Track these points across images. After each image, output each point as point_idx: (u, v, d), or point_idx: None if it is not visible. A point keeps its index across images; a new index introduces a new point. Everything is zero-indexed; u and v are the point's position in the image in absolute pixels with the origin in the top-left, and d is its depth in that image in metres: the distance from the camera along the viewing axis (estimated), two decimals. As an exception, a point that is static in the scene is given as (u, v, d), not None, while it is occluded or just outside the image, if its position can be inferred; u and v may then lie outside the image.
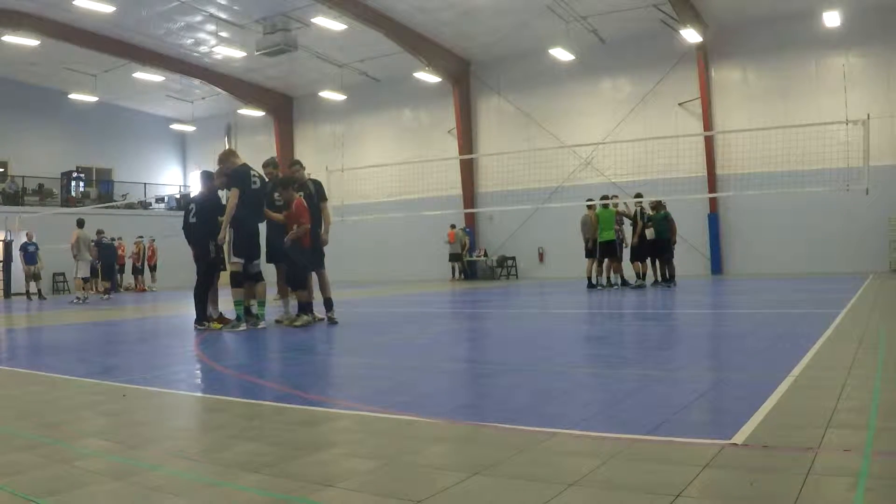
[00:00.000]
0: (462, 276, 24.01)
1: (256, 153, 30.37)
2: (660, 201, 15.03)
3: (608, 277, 14.84)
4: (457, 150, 24.79)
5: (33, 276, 19.32)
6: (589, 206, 15.03)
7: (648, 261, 14.84)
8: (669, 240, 14.69)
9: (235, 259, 8.02)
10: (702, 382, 4.08)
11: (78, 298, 16.65)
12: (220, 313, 8.38)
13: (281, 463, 2.68)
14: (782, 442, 2.67)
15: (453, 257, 23.92)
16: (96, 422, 3.58)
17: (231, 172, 8.18)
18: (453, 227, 23.94)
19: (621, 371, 4.72)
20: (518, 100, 24.64)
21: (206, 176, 8.70)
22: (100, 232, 18.95)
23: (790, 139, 17.43)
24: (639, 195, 15.50)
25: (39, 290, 19.61)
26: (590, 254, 14.75)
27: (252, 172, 8.31)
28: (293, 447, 2.93)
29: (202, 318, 8.17)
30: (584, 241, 14.86)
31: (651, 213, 14.91)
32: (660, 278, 14.81)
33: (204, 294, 8.31)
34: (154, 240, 24.20)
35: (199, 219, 8.32)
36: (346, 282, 21.97)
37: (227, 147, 31.72)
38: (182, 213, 9.12)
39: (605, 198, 15.48)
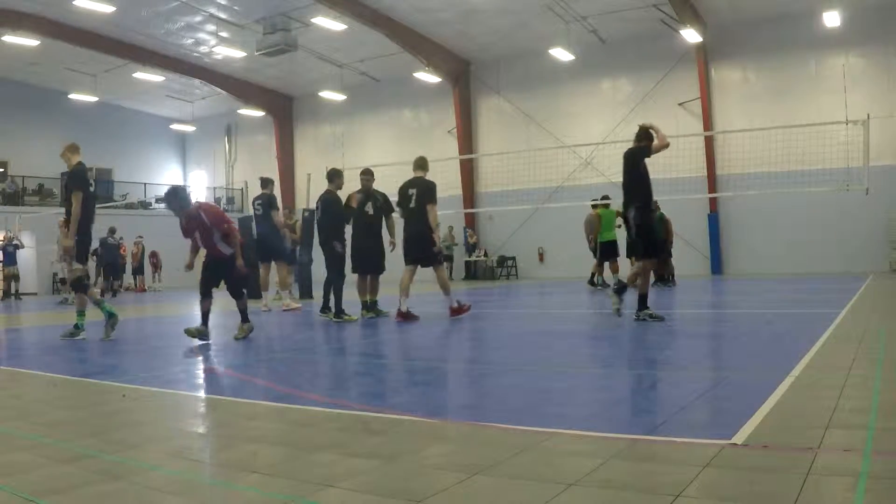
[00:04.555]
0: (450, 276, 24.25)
1: (256, 153, 30.70)
2: (654, 202, 15.03)
3: (594, 276, 14.79)
4: (457, 150, 24.79)
5: (13, 277, 19.48)
6: (594, 206, 15.03)
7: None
8: (665, 240, 14.70)
9: (77, 265, 7.59)
10: (702, 382, 4.08)
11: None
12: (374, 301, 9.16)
13: (281, 463, 2.68)
14: (782, 442, 2.67)
15: (445, 258, 24.21)
16: (96, 422, 3.57)
17: (70, 174, 7.71)
18: (450, 228, 24.12)
19: (621, 371, 4.72)
20: (518, 100, 24.64)
21: (335, 174, 9.45)
22: (112, 230, 18.95)
23: (790, 139, 17.42)
24: (606, 197, 15.46)
25: (17, 291, 19.76)
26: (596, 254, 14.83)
27: (88, 172, 7.81)
28: (293, 447, 2.93)
29: (339, 311, 8.79)
30: (588, 241, 14.89)
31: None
32: (665, 277, 14.87)
33: (341, 288, 8.94)
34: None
35: (325, 215, 8.96)
36: (350, 282, 21.94)
37: (227, 148, 31.81)
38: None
39: (605, 198, 15.47)
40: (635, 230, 7.44)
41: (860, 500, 2.04)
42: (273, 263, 11.71)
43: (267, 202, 11.56)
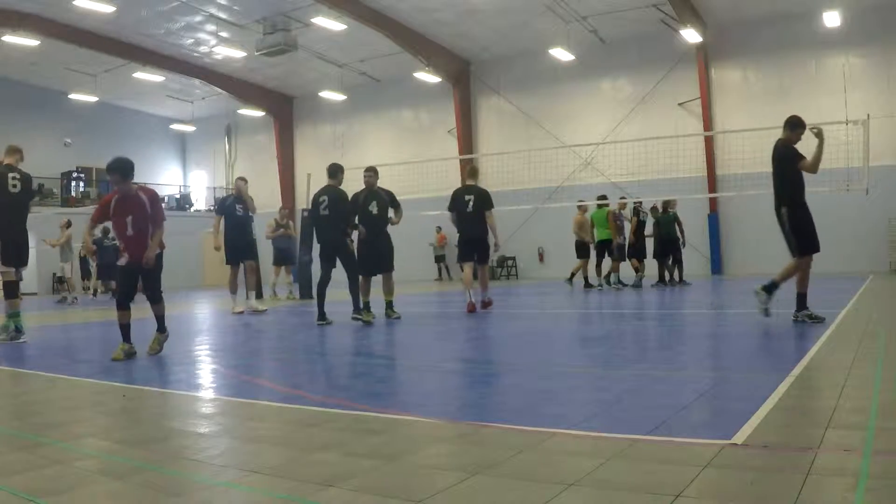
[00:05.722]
0: (448, 276, 24.54)
1: (256, 153, 30.70)
2: (667, 202, 15.21)
3: (607, 277, 14.86)
4: (457, 150, 24.79)
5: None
6: (579, 208, 15.23)
7: (659, 261, 15.05)
8: (678, 240, 14.93)
9: (5, 268, 7.49)
10: (702, 382, 4.08)
11: (75, 298, 16.94)
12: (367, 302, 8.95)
13: (281, 463, 2.68)
14: (782, 442, 2.68)
15: (439, 258, 24.76)
16: (96, 422, 3.58)
17: None
18: (440, 229, 24.32)
19: (621, 371, 4.72)
20: (518, 100, 24.63)
21: (339, 169, 9.02)
22: (106, 230, 19.01)
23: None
24: (602, 197, 15.57)
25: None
26: (581, 254, 14.96)
27: (10, 175, 7.47)
28: (293, 447, 2.93)
29: (357, 308, 8.63)
30: (589, 241, 15.03)
31: (659, 213, 15.13)
32: (675, 279, 15.00)
33: (357, 287, 8.71)
34: None
35: (332, 211, 8.55)
36: (343, 282, 21.93)
37: (227, 148, 31.80)
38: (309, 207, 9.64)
39: (601, 198, 15.55)
40: (789, 229, 7.33)
41: (860, 500, 2.04)
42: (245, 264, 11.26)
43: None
